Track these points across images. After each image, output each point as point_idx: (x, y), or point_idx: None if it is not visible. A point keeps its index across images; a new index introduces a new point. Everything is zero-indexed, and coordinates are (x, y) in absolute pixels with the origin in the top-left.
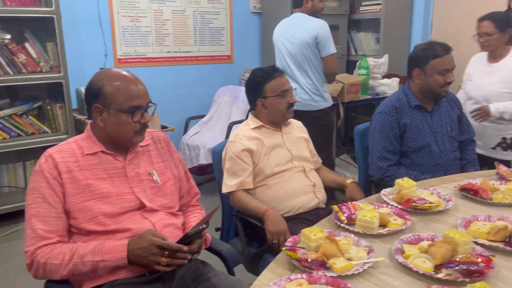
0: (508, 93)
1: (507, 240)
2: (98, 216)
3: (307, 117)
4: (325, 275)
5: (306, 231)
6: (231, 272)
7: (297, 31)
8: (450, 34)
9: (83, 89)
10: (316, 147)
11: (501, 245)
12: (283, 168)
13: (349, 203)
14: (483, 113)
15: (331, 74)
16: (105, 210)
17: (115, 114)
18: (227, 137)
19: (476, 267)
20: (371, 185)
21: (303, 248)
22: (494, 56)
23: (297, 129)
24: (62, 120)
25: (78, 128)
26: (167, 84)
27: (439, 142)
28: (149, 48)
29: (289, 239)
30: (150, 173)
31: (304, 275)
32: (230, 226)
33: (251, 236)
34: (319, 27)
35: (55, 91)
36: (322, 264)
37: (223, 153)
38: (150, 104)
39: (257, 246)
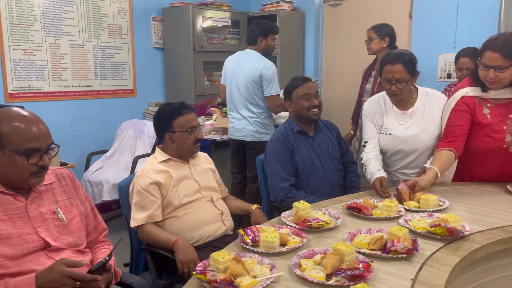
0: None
1: (383, 248)
2: None
3: (250, 147)
4: None
5: (214, 255)
6: None
7: (247, 67)
8: (337, 68)
9: None
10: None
11: (379, 252)
12: (191, 198)
13: (253, 226)
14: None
15: (272, 113)
16: (5, 252)
17: (10, 155)
18: (132, 171)
19: (357, 271)
20: (274, 210)
21: (213, 270)
22: (405, 102)
23: (203, 161)
24: None
25: None
26: (65, 119)
27: (322, 161)
28: (45, 82)
29: (199, 264)
30: (55, 211)
31: None
32: (139, 260)
33: (160, 268)
34: (266, 67)
35: None
36: (230, 283)
37: (130, 187)
38: (52, 145)
39: (167, 278)
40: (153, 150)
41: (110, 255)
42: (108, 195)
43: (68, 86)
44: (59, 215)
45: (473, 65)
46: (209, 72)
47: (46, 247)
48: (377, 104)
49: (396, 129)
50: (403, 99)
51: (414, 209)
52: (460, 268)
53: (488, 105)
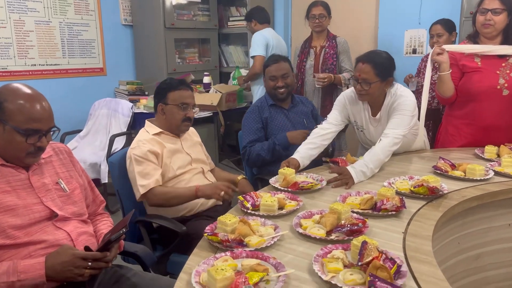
0: None
1: (373, 207)
2: (6, 229)
3: None
4: (244, 250)
5: (221, 218)
6: (147, 271)
7: (282, 40)
8: None
9: None
10: None
11: (370, 211)
12: (183, 170)
13: (251, 192)
14: (347, 179)
15: None
16: (13, 222)
17: (10, 131)
18: (109, 150)
19: (356, 227)
20: (258, 181)
21: (221, 233)
22: (374, 106)
23: (192, 135)
24: None
25: None
26: None
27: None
28: (11, 61)
29: (207, 228)
30: (57, 182)
31: (227, 253)
32: (132, 234)
33: (154, 240)
34: None
35: None
36: (240, 243)
37: (127, 161)
38: (53, 129)
39: (162, 249)
40: (129, 129)
41: (126, 227)
42: None
43: (35, 65)
44: (62, 186)
45: (444, 32)
46: (180, 50)
47: (52, 216)
48: (355, 99)
49: (368, 130)
50: (372, 102)
51: (460, 177)
52: (441, 223)
53: (480, 54)
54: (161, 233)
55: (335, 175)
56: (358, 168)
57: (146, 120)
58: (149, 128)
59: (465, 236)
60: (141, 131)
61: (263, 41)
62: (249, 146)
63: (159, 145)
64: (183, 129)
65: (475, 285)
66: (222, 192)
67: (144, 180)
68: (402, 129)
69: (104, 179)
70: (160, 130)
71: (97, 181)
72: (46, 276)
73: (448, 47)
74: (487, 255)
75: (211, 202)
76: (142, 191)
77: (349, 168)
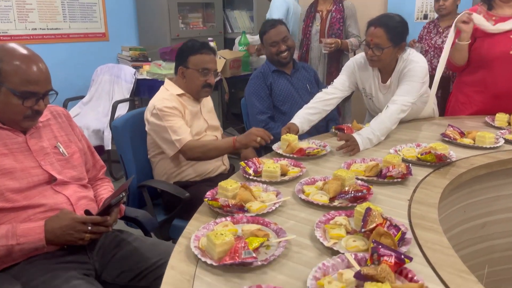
0: None
1: (378, 174)
2: (4, 192)
3: None
4: (245, 215)
5: (222, 183)
6: (148, 236)
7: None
8: None
9: None
10: None
11: (375, 178)
12: (199, 137)
13: (254, 159)
14: (353, 146)
15: None
16: (11, 186)
17: (6, 93)
18: (112, 116)
19: (360, 193)
20: (261, 149)
21: (221, 198)
22: (385, 72)
23: (208, 100)
24: None
25: None
26: None
27: (301, 96)
28: (11, 24)
29: (207, 193)
30: (55, 146)
31: (227, 218)
32: (134, 199)
33: (158, 205)
34: None
35: None
36: (241, 208)
37: (152, 118)
38: (50, 92)
39: (164, 214)
40: (132, 95)
41: (126, 191)
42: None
43: (35, 29)
44: (60, 150)
45: None
46: (184, 14)
47: (51, 180)
48: (364, 66)
49: (377, 98)
50: (382, 68)
51: (469, 145)
52: (448, 190)
53: (494, 18)
54: (165, 198)
55: (343, 142)
56: (364, 135)
57: (166, 78)
58: (170, 87)
59: (472, 205)
60: (162, 89)
61: (285, 5)
62: (267, 117)
63: (182, 106)
64: (203, 95)
65: (480, 254)
66: (259, 138)
67: (178, 133)
68: (411, 96)
69: (108, 145)
70: (182, 91)
71: (100, 148)
72: (45, 239)
73: (476, 19)
74: (493, 224)
75: (219, 170)
76: (179, 145)
77: (355, 135)
